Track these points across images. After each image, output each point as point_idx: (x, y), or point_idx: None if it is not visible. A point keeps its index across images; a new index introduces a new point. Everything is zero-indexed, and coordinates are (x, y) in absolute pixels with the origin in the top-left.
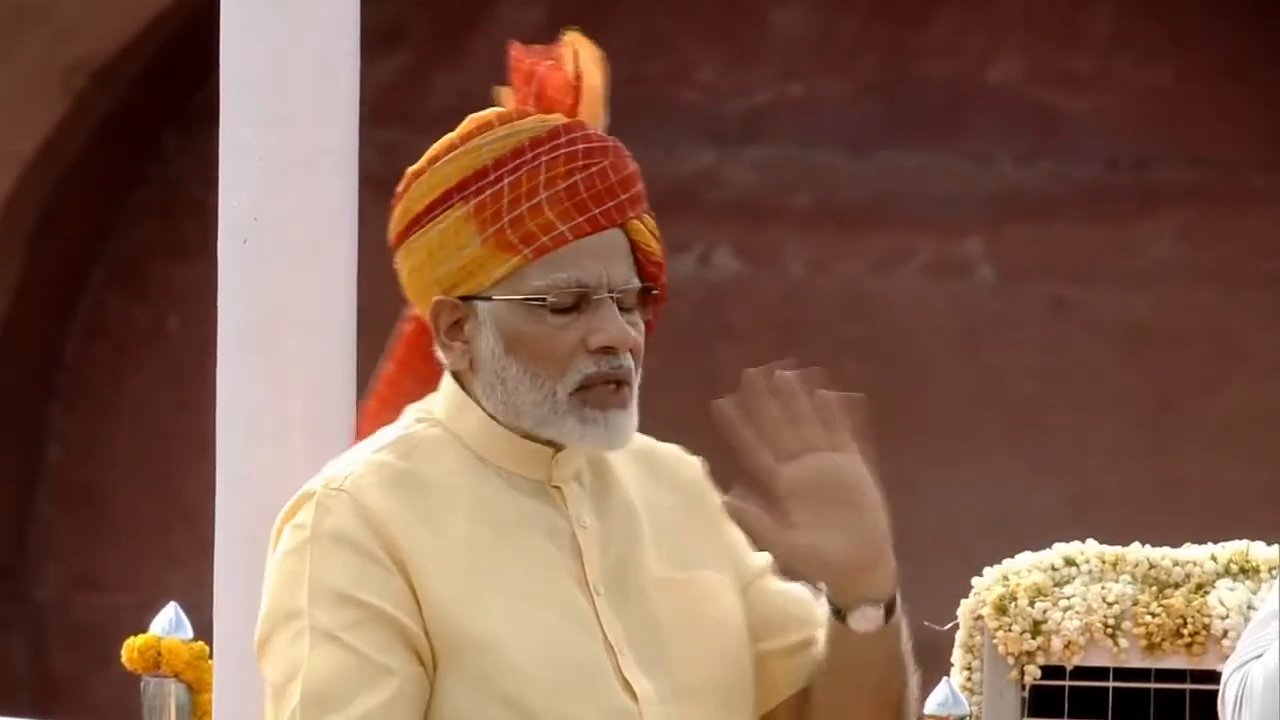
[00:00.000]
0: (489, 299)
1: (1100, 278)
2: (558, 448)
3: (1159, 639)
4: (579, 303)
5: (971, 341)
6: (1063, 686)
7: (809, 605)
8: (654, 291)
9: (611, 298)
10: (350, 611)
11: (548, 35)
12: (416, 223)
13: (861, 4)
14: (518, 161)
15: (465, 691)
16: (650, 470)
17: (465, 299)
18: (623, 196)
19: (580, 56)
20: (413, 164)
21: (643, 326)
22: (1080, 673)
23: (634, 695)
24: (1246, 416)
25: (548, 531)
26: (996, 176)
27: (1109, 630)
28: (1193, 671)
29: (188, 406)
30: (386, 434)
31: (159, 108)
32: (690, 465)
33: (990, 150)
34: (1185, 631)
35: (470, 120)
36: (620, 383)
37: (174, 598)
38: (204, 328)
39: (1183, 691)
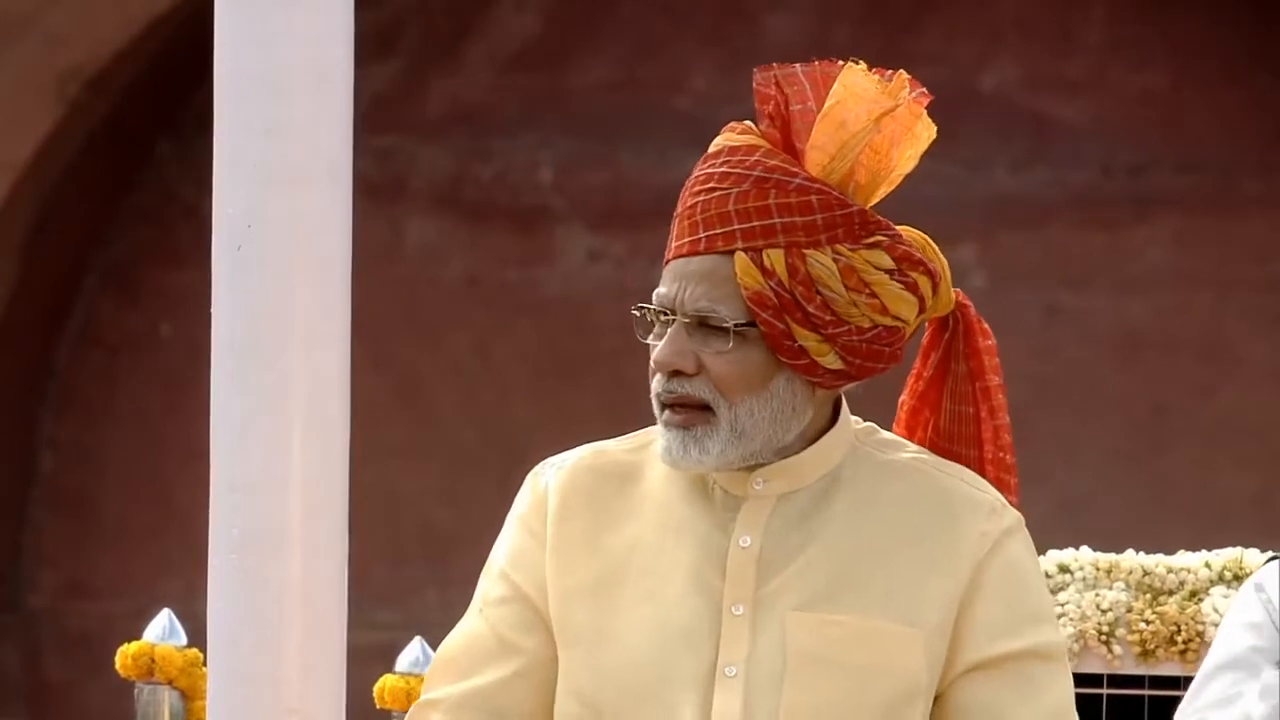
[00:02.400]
0: None
1: (1094, 283)
2: (751, 468)
3: (1153, 646)
4: (666, 321)
5: None
6: None
7: None
8: (732, 324)
9: (683, 321)
10: (502, 588)
11: (543, 42)
12: None
13: (854, 10)
14: (693, 176)
15: (564, 682)
16: (931, 508)
17: None
18: (735, 227)
19: (835, 87)
20: (408, 171)
21: (731, 356)
22: (1074, 679)
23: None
24: (1240, 422)
25: (703, 545)
26: (990, 182)
27: (1103, 637)
28: (1187, 678)
29: (181, 413)
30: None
31: (153, 114)
32: (987, 520)
33: (983, 156)
34: (1179, 639)
35: None
36: (675, 406)
37: (167, 604)
38: (197, 334)
39: (1177, 699)
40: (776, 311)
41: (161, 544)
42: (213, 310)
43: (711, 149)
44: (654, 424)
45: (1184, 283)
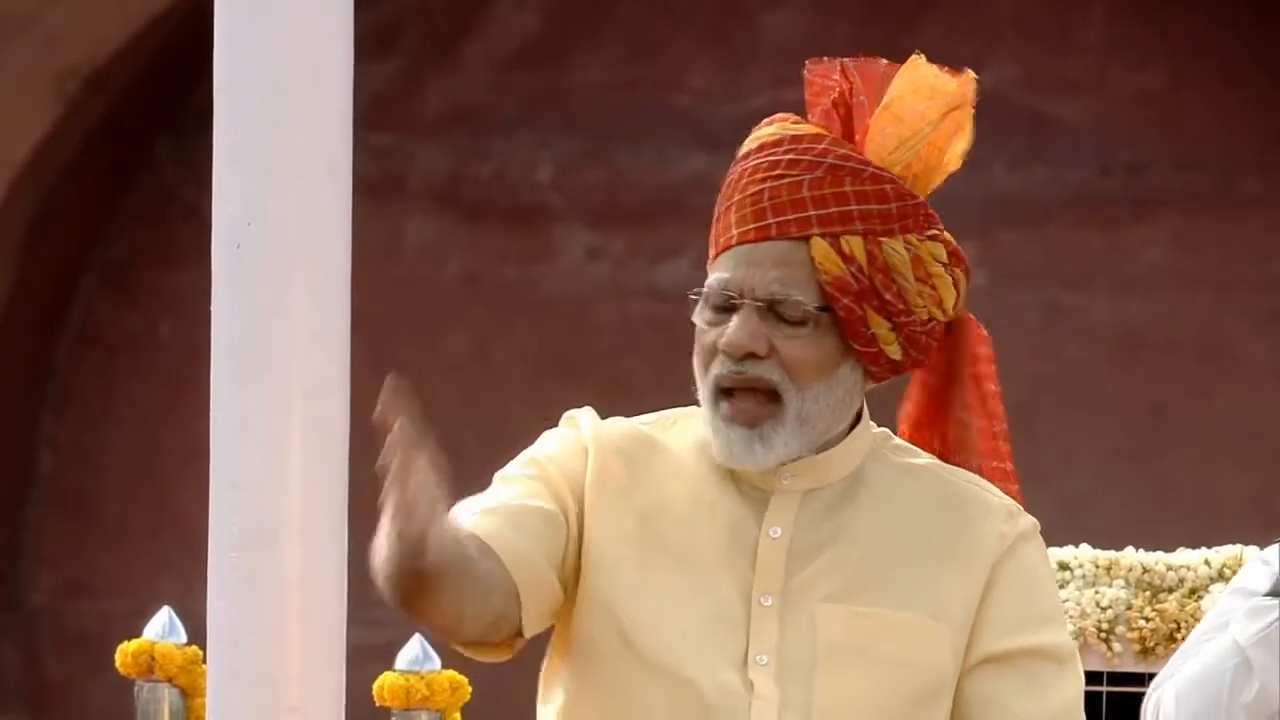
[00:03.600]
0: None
1: (1092, 283)
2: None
3: (1153, 643)
4: (730, 306)
5: None
6: None
7: None
8: (810, 308)
9: (754, 305)
10: (531, 467)
11: (541, 41)
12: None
13: (853, 9)
14: (743, 164)
15: (592, 613)
16: (947, 508)
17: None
18: (811, 212)
19: (896, 81)
20: (407, 170)
21: (805, 340)
22: None
23: (750, 688)
24: (1239, 422)
25: (732, 533)
26: (988, 182)
27: (1103, 635)
28: None
29: (180, 412)
30: (676, 410)
31: (151, 113)
32: (1004, 522)
33: (982, 155)
34: (1179, 636)
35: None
36: (743, 390)
37: (166, 603)
38: (196, 333)
39: None
40: (856, 297)
41: (161, 543)
42: (212, 309)
43: (767, 138)
44: (712, 422)
45: (1183, 282)
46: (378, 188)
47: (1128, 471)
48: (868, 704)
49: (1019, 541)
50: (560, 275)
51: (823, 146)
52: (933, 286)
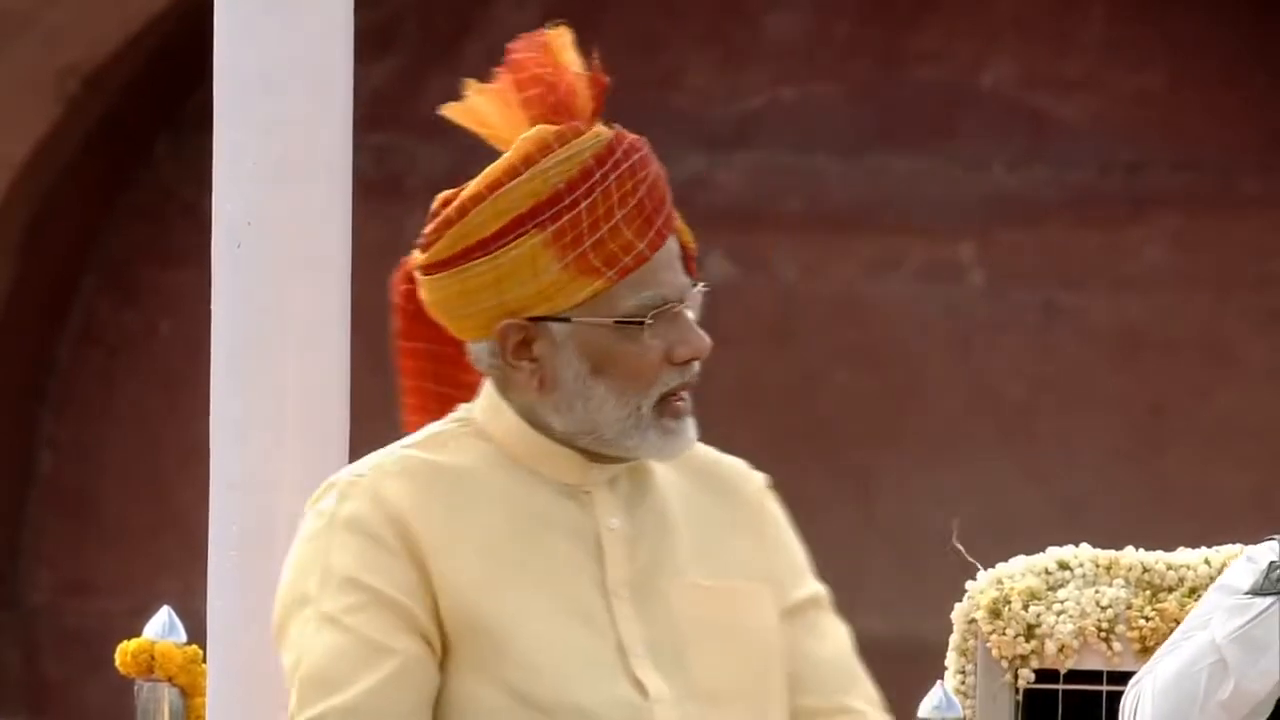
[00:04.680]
0: (567, 320)
1: (1092, 282)
2: (593, 455)
3: (1153, 643)
4: (670, 316)
5: (963, 346)
6: (1056, 690)
7: (831, 661)
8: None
9: (684, 307)
10: (354, 595)
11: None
12: (481, 249)
13: (853, 8)
14: (589, 183)
15: (476, 678)
16: (703, 481)
17: (536, 319)
18: (668, 200)
19: (572, 54)
20: (407, 169)
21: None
22: (1074, 676)
23: (645, 693)
24: (1238, 421)
25: (570, 532)
26: (988, 181)
27: (1103, 634)
28: None
29: (179, 411)
30: (421, 431)
31: (151, 112)
32: (750, 480)
33: (982, 155)
34: None
35: (524, 142)
36: (683, 394)
37: (166, 602)
38: (196, 333)
39: None
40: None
41: (160, 542)
42: (212, 308)
43: (601, 150)
44: (649, 431)
45: (1182, 282)
46: (377, 187)
47: (1128, 471)
48: (740, 679)
49: (764, 496)
50: None
51: (632, 136)
52: None
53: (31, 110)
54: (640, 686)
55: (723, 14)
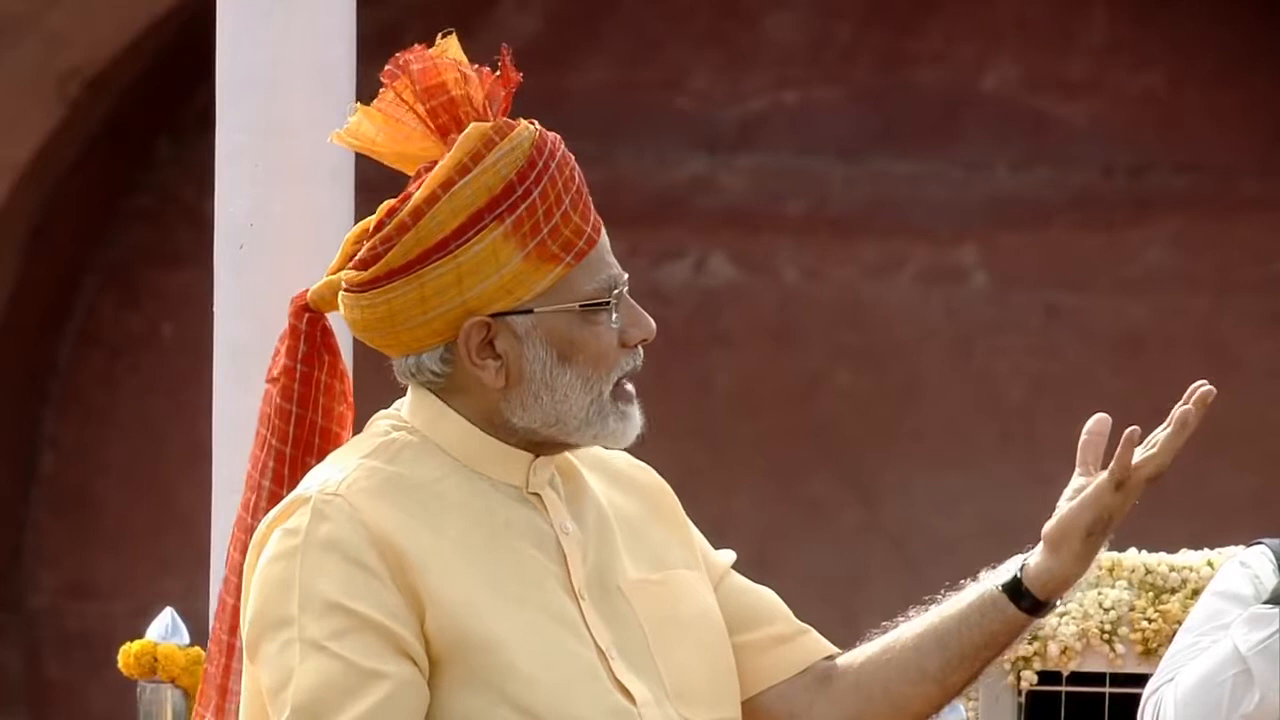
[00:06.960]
0: (529, 311)
1: (1094, 284)
2: (536, 454)
3: (1155, 645)
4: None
5: (965, 348)
6: (1059, 692)
7: (777, 601)
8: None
9: (625, 290)
10: (339, 620)
11: (543, 42)
12: (441, 249)
13: (855, 11)
14: (536, 172)
15: (472, 693)
16: (609, 477)
17: (498, 315)
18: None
19: (464, 60)
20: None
21: None
22: (1076, 678)
23: (630, 697)
24: (1239, 423)
25: (534, 537)
26: (990, 183)
27: (1105, 636)
28: None
29: (182, 413)
30: (366, 441)
31: (153, 115)
32: (646, 471)
33: (984, 157)
34: None
35: (466, 140)
36: (630, 379)
37: (168, 604)
38: (198, 334)
39: None
40: None
41: (163, 543)
42: (215, 309)
43: (536, 140)
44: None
45: (1183, 284)
46: (379, 188)
47: None
48: (700, 672)
49: (661, 483)
50: None
51: (548, 131)
52: None
53: (34, 113)
54: (625, 692)
55: (724, 16)
